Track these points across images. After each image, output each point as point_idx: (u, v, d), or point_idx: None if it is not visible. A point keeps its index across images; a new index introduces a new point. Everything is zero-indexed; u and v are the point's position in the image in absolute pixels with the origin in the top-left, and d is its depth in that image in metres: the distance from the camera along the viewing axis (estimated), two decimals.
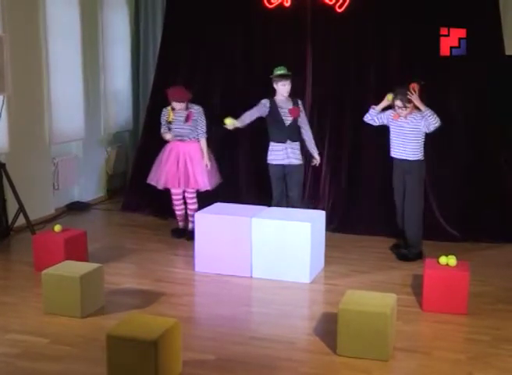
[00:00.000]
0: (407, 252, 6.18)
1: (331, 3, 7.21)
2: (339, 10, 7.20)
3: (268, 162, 6.55)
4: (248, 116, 6.42)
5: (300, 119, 6.53)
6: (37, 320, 4.75)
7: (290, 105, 6.49)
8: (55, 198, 7.71)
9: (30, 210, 6.94)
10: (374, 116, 6.22)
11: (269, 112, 6.45)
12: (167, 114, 6.66)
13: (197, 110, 6.64)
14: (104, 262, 5.55)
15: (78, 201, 8.11)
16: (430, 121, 5.90)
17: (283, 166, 6.49)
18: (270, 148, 6.53)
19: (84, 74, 8.07)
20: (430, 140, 6.99)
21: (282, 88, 6.40)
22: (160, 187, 6.72)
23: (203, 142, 6.68)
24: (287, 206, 6.47)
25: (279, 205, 6.46)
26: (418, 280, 5.36)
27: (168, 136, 6.57)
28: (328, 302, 5.16)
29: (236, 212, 5.92)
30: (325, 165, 7.34)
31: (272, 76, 6.43)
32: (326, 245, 6.07)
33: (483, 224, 6.79)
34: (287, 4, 7.35)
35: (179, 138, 6.62)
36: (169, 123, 6.61)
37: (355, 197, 7.23)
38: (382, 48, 7.16)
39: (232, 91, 7.68)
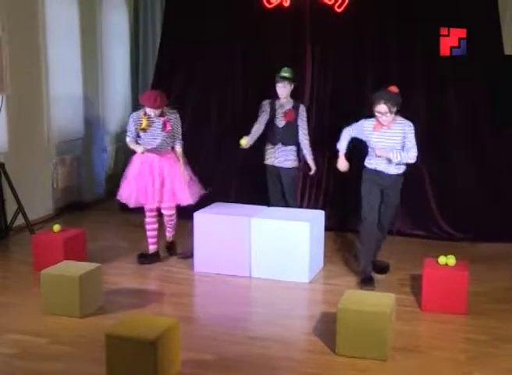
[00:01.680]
0: (387, 263, 5.86)
1: (330, 3, 7.20)
2: (339, 10, 7.19)
3: (264, 162, 6.55)
4: (256, 129, 6.38)
5: (298, 125, 6.40)
6: (35, 320, 4.75)
7: (289, 108, 6.41)
8: (54, 197, 7.70)
9: (29, 210, 6.94)
10: (347, 139, 5.60)
11: (269, 112, 6.44)
12: (139, 120, 5.77)
13: (174, 117, 5.87)
14: (103, 261, 5.54)
15: (77, 201, 8.10)
16: (406, 155, 5.30)
17: (276, 167, 6.46)
18: (265, 148, 6.52)
19: (83, 73, 8.07)
20: (429, 140, 7.01)
21: (278, 90, 6.33)
22: (132, 205, 5.90)
23: (179, 150, 5.94)
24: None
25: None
26: (417, 279, 5.35)
27: (140, 148, 5.70)
28: (328, 302, 5.15)
29: (235, 211, 5.92)
30: (324, 164, 7.34)
31: (276, 76, 6.38)
32: (325, 245, 6.07)
33: (483, 224, 6.79)
34: (286, 4, 7.34)
35: (152, 150, 5.79)
36: (143, 131, 5.74)
37: (354, 196, 7.22)
38: (381, 48, 7.15)
39: (231, 91, 7.68)
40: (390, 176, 5.42)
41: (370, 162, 5.48)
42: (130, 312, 4.63)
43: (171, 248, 6.30)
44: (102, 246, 6.55)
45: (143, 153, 5.71)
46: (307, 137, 6.46)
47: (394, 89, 5.34)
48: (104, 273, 5.24)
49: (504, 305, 5.09)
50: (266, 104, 6.47)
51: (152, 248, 6.09)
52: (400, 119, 5.35)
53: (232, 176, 7.64)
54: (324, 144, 7.33)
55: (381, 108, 5.20)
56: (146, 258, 6.06)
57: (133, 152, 5.91)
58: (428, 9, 6.95)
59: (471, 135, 6.97)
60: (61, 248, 5.63)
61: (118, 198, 5.99)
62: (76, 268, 4.93)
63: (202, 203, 6.15)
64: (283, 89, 6.33)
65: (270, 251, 5.65)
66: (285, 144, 6.39)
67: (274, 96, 6.46)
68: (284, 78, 6.32)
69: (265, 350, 4.29)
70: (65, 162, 7.86)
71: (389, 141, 5.33)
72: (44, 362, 4.10)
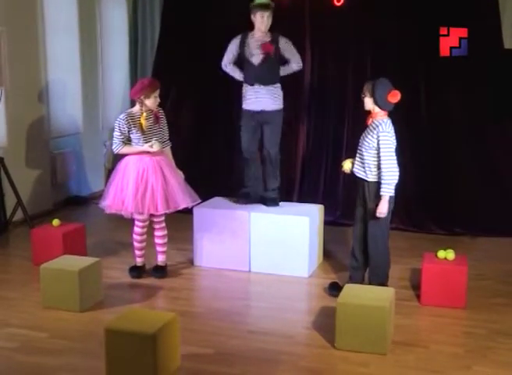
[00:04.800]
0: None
1: None
2: (338, 4, 7.18)
3: (242, 107, 5.82)
4: (230, 68, 5.75)
5: (288, 58, 5.70)
6: (35, 314, 4.76)
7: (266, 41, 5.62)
8: (53, 192, 7.70)
9: (29, 204, 6.95)
10: None
11: (240, 48, 5.69)
12: (135, 122, 5.18)
13: (162, 112, 5.40)
14: (102, 256, 5.55)
15: (76, 196, 8.10)
16: (386, 177, 4.73)
17: (257, 113, 5.71)
18: (242, 90, 5.80)
19: (82, 68, 8.07)
20: (428, 139, 7.02)
21: (260, 21, 5.55)
22: (128, 215, 5.32)
23: (170, 151, 5.48)
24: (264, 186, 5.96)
25: (253, 187, 5.93)
26: (416, 274, 5.36)
27: (156, 145, 5.13)
28: (327, 296, 5.15)
29: (234, 206, 5.92)
30: (324, 157, 7.34)
31: (251, 6, 5.63)
32: (325, 239, 6.08)
33: (482, 218, 6.80)
34: None
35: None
36: (143, 132, 5.18)
37: (354, 190, 7.22)
38: (380, 43, 7.13)
39: (230, 85, 7.66)
40: (368, 183, 4.87)
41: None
42: (130, 307, 4.64)
43: (161, 272, 5.58)
44: (102, 240, 6.55)
45: (157, 150, 5.17)
46: (301, 64, 5.82)
47: (395, 93, 4.69)
48: (104, 267, 5.24)
49: (503, 299, 5.10)
50: (236, 40, 5.71)
51: (140, 261, 5.60)
52: (383, 119, 4.74)
53: (229, 171, 7.65)
54: (323, 140, 7.35)
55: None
56: (137, 272, 5.54)
57: (122, 156, 5.37)
58: (427, 7, 6.92)
59: (472, 134, 6.97)
60: (60, 242, 5.63)
61: (108, 210, 5.31)
62: (75, 262, 4.93)
63: (202, 198, 6.15)
64: (263, 19, 5.54)
65: (269, 245, 5.65)
66: (265, 83, 5.65)
67: (243, 33, 5.72)
68: (265, 6, 5.56)
69: (265, 344, 4.30)
70: (65, 156, 7.86)
71: (364, 138, 4.83)
72: (43, 356, 4.11)
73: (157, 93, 5.23)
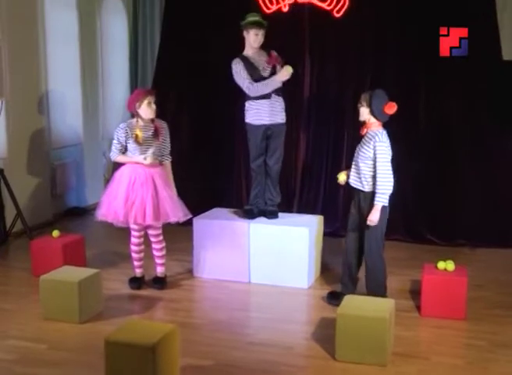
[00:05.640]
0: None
1: (329, 8, 7.22)
2: (337, 15, 7.21)
3: (248, 122, 5.76)
4: (262, 85, 5.58)
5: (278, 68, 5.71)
6: (35, 326, 4.75)
7: (264, 57, 5.69)
8: (53, 203, 7.70)
9: (28, 215, 6.95)
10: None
11: (245, 68, 5.65)
12: (132, 132, 5.20)
13: (165, 126, 5.38)
14: (102, 267, 5.53)
15: (76, 207, 8.10)
16: (380, 188, 4.77)
17: (267, 126, 5.69)
18: (248, 106, 5.73)
19: (83, 79, 8.09)
20: (428, 139, 7.00)
21: (255, 38, 5.59)
22: (120, 224, 5.30)
23: (169, 165, 5.46)
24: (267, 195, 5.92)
25: (257, 204, 5.90)
26: (416, 285, 5.36)
27: (149, 157, 5.13)
28: (327, 307, 5.15)
29: (234, 217, 5.93)
30: (324, 168, 7.34)
31: (242, 24, 5.64)
32: (324, 250, 6.07)
33: (482, 229, 6.79)
34: (285, 9, 7.37)
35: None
36: (138, 143, 5.17)
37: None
38: (380, 52, 7.15)
39: (229, 96, 7.68)
40: (364, 193, 4.92)
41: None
42: (130, 318, 4.63)
43: (160, 283, 5.58)
44: (102, 252, 6.54)
45: (149, 163, 5.16)
46: None
47: (392, 105, 4.75)
48: (104, 278, 5.23)
49: (502, 310, 5.09)
50: (238, 62, 5.65)
51: (139, 272, 5.60)
52: (378, 130, 4.81)
53: (231, 181, 7.65)
54: (323, 150, 7.35)
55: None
56: (137, 283, 5.54)
57: (119, 165, 5.39)
58: (428, 12, 6.94)
59: (472, 134, 6.96)
60: (60, 253, 5.63)
61: (101, 218, 5.31)
62: (75, 273, 4.93)
63: (202, 209, 6.16)
64: (257, 37, 5.59)
65: (269, 256, 5.65)
66: (278, 94, 5.69)
67: (239, 57, 5.71)
68: (259, 24, 5.59)
69: (265, 355, 4.29)
70: (65, 167, 7.87)
71: (360, 148, 4.90)
72: (43, 368, 4.09)
73: (149, 99, 5.17)
